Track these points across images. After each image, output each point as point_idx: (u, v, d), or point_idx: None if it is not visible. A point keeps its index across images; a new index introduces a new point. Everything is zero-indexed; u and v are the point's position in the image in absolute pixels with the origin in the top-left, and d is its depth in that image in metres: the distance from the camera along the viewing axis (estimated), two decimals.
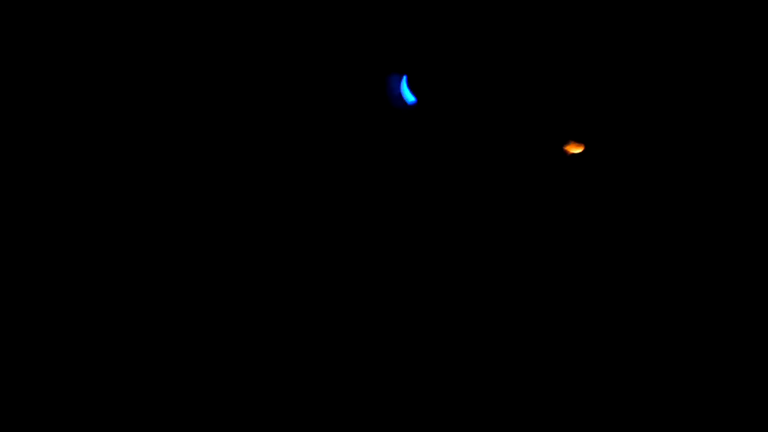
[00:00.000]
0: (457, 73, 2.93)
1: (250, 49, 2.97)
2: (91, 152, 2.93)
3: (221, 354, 2.88)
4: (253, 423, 2.83)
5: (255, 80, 2.98)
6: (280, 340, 2.90)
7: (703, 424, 2.80)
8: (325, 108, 2.99)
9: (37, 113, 2.93)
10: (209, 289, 2.92)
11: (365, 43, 2.95)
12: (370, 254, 2.96)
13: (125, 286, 2.90)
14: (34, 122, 2.93)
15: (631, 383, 2.86)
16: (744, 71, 2.90)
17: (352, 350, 2.90)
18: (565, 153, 2.24)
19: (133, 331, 2.87)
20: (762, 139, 2.90)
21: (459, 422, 2.85)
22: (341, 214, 2.97)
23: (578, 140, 2.36)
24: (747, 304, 2.87)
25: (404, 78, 2.55)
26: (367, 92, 2.98)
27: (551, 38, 2.92)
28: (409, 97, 2.57)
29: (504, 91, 2.92)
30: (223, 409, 2.84)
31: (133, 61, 2.95)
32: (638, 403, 2.84)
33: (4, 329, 2.83)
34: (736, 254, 2.89)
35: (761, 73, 2.89)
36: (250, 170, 2.97)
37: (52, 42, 2.93)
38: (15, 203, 2.89)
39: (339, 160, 2.99)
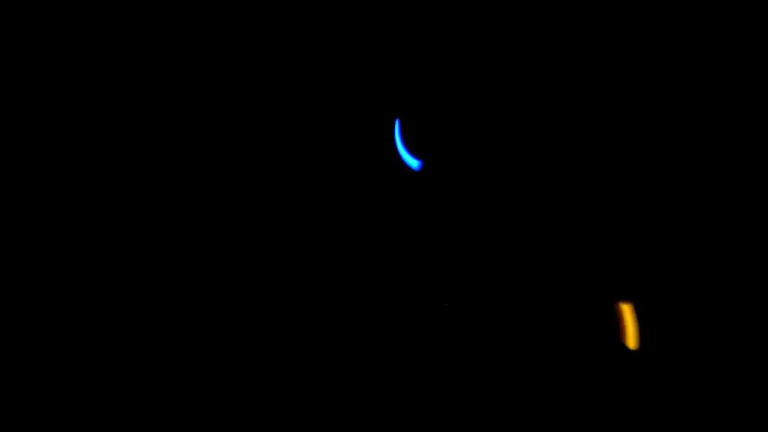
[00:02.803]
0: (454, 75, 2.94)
1: (250, 49, 2.98)
2: (91, 152, 2.94)
3: (220, 353, 2.88)
4: (253, 423, 2.84)
5: (255, 80, 2.99)
6: (280, 339, 2.91)
7: (703, 424, 2.80)
8: (324, 109, 2.99)
9: (37, 113, 2.93)
10: (208, 287, 2.92)
11: (364, 45, 2.96)
12: (369, 254, 2.96)
13: (124, 284, 2.90)
14: (34, 122, 2.93)
15: (630, 382, 2.86)
16: (744, 71, 2.91)
17: (351, 350, 2.90)
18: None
19: (132, 330, 2.88)
20: (761, 139, 2.90)
21: (459, 422, 2.85)
22: (341, 215, 2.97)
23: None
24: (747, 304, 2.87)
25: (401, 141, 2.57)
26: (365, 95, 2.98)
27: (552, 39, 2.92)
28: (411, 160, 2.59)
29: (501, 93, 2.92)
30: (222, 408, 2.84)
31: (133, 61, 2.96)
32: (638, 402, 2.84)
33: (4, 329, 2.84)
34: (735, 254, 2.89)
35: (761, 74, 2.89)
36: (249, 170, 2.97)
37: (52, 42, 2.93)
38: (15, 203, 2.89)
39: (339, 161, 2.99)
